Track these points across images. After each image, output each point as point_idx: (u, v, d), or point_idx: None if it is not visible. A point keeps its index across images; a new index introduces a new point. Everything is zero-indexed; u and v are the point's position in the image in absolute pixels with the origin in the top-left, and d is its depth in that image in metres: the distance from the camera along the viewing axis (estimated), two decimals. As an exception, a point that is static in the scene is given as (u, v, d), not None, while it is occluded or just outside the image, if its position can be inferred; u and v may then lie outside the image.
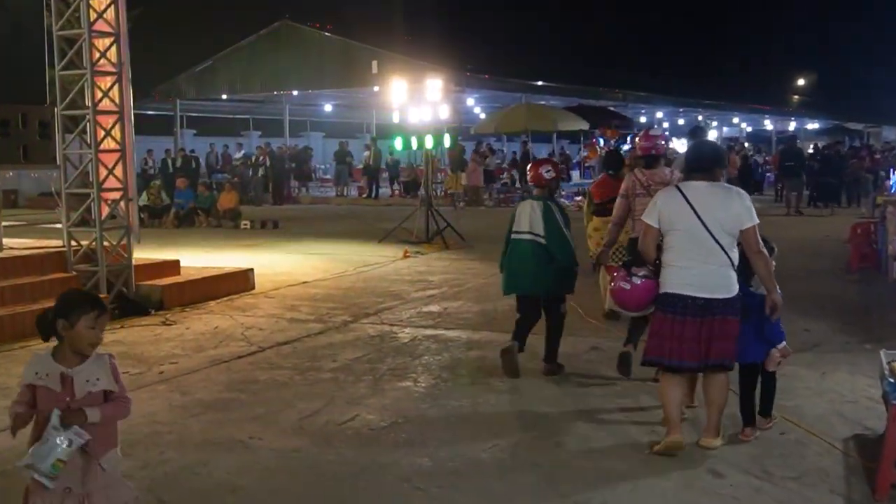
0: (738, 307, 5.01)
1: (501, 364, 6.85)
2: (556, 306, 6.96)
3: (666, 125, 48.42)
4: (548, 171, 6.94)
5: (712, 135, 39.74)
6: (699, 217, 4.92)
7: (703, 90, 45.26)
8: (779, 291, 4.98)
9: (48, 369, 3.42)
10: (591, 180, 30.17)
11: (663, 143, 7.10)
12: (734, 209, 4.94)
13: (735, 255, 4.98)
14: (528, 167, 7.36)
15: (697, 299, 4.94)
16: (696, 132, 10.09)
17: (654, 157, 6.94)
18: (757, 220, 4.98)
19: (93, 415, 3.37)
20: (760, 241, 4.98)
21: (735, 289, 5.00)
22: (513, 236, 6.93)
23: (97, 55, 9.64)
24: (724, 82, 51.80)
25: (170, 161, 28.06)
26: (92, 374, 3.44)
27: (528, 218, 6.78)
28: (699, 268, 4.94)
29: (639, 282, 5.21)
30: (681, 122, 48.97)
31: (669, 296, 5.03)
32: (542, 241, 6.69)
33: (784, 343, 5.31)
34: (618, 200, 7.03)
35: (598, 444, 5.30)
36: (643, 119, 45.48)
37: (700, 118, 45.69)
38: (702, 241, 4.92)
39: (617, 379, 6.69)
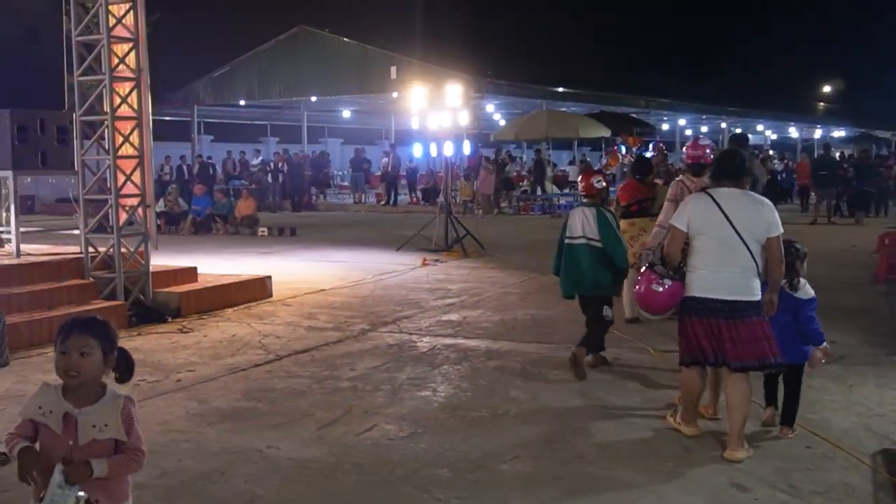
0: (761, 310, 5.18)
1: (573, 372, 7.10)
2: (607, 305, 7.38)
3: (689, 132, 48.35)
4: (598, 181, 7.43)
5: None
6: (731, 223, 5.11)
7: (728, 97, 45.09)
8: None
9: (53, 405, 3.03)
10: (613, 188, 30.20)
11: (710, 151, 7.44)
12: (764, 218, 5.14)
13: (760, 262, 5.16)
14: (580, 178, 7.90)
15: (725, 302, 5.13)
16: (738, 140, 10.19)
17: (701, 165, 7.41)
18: (781, 230, 5.18)
19: (99, 468, 2.97)
20: (782, 250, 5.21)
21: (759, 293, 5.18)
22: (566, 241, 7.35)
23: (116, 61, 9.72)
24: (749, 89, 51.55)
25: (185, 167, 28.24)
26: (100, 419, 3.04)
27: (581, 224, 7.24)
28: (728, 272, 5.14)
29: (669, 284, 5.37)
30: (704, 129, 48.81)
31: (697, 299, 5.23)
32: (598, 244, 7.15)
33: (825, 343, 5.54)
34: (665, 205, 7.49)
35: (621, 456, 5.28)
36: (666, 126, 45.42)
37: (724, 125, 45.53)
38: (732, 245, 5.11)
39: (640, 390, 6.68)
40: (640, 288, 5.59)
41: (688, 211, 5.30)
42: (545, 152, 32.08)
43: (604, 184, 7.42)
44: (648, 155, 24.61)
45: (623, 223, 9.32)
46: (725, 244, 5.13)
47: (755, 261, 5.12)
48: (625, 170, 29.65)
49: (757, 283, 5.17)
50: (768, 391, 5.82)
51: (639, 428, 5.80)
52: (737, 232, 5.10)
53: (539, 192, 29.13)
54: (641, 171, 9.66)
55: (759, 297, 5.17)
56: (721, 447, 5.31)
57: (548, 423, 5.94)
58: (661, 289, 5.39)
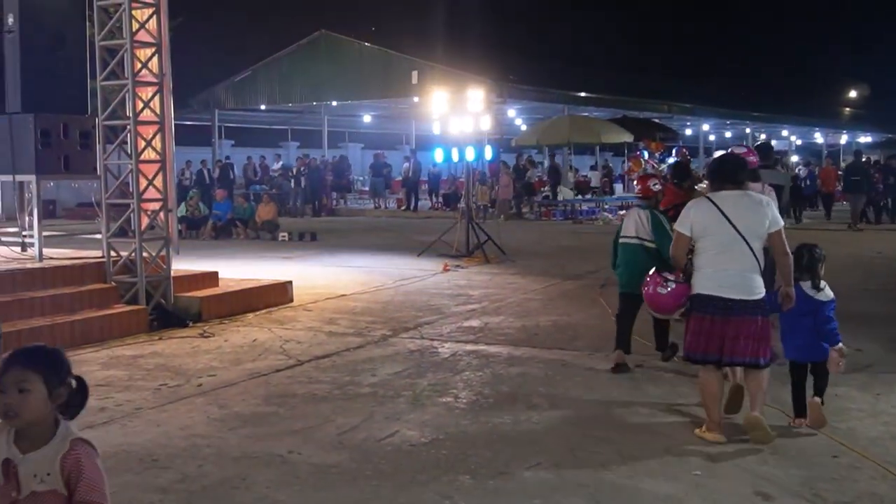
0: (765, 308, 5.53)
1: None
2: None
3: (712, 138, 48.18)
4: (655, 184, 7.95)
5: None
6: (732, 224, 5.43)
7: (751, 102, 44.91)
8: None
9: (1, 450, 2.65)
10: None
11: (753, 158, 7.66)
12: (764, 215, 5.47)
13: (762, 260, 5.50)
14: (636, 181, 8.64)
15: (729, 300, 5.44)
16: (764, 150, 10.53)
17: (752, 171, 7.63)
18: (782, 224, 5.57)
19: None
20: (786, 244, 5.52)
21: (762, 291, 5.50)
22: (621, 241, 7.78)
23: (139, 65, 9.80)
24: (774, 94, 51.32)
25: (206, 171, 28.40)
26: (42, 467, 2.63)
27: (636, 225, 7.65)
28: (731, 271, 5.45)
29: (673, 286, 5.80)
30: (728, 134, 48.62)
31: (704, 297, 5.54)
32: (651, 244, 7.50)
33: (840, 344, 5.76)
34: None
35: (644, 464, 5.26)
36: (689, 132, 45.28)
37: (748, 130, 45.35)
38: (735, 246, 5.43)
39: (663, 397, 6.67)
40: (647, 289, 6.03)
41: (690, 216, 5.61)
42: (564, 157, 32.06)
43: (659, 187, 7.95)
44: (670, 160, 24.62)
45: None
46: (728, 245, 5.43)
47: (757, 259, 5.44)
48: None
49: (760, 282, 5.48)
50: (797, 402, 5.94)
51: (662, 436, 5.78)
52: (738, 232, 5.41)
53: (553, 198, 29.06)
54: (680, 176, 9.98)
55: (761, 296, 5.48)
56: (743, 454, 5.31)
57: (570, 431, 5.94)
58: (665, 290, 5.84)
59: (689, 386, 6.82)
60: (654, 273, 6.03)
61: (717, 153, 8.54)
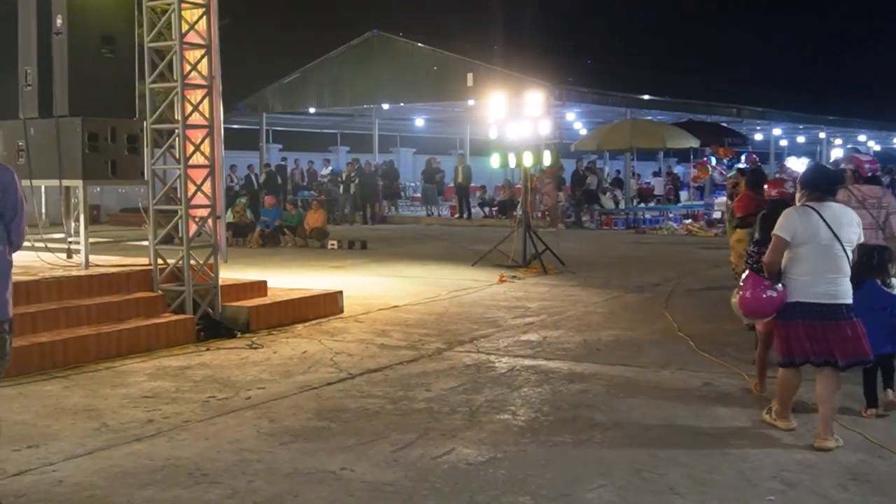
0: (854, 311, 5.98)
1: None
2: None
3: (784, 143, 47.57)
4: (791, 186, 8.11)
5: (833, 153, 38.95)
6: (834, 233, 5.90)
7: (827, 105, 44.27)
8: None
9: None
10: (702, 201, 29.85)
11: (872, 166, 8.11)
12: (856, 226, 6.04)
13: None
14: (769, 184, 8.94)
15: (828, 306, 5.90)
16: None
17: (874, 177, 8.05)
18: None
19: None
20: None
21: (851, 296, 5.98)
22: None
23: (188, 67, 9.96)
24: (850, 97, 50.57)
25: (253, 177, 28.71)
26: None
27: None
28: (830, 277, 5.92)
29: (777, 291, 6.05)
30: (800, 139, 47.98)
31: (803, 304, 5.95)
32: None
33: None
34: None
35: (715, 488, 5.21)
36: (759, 136, 44.70)
37: (822, 135, 44.71)
38: (834, 253, 5.91)
39: (733, 417, 6.60)
40: (746, 293, 6.20)
41: (794, 223, 5.99)
42: (626, 163, 31.85)
43: (793, 191, 8.12)
44: (739, 166, 24.35)
45: (740, 233, 10.70)
46: (828, 253, 5.90)
47: (849, 266, 5.97)
48: (717, 182, 29.33)
49: (850, 287, 5.98)
50: (868, 393, 6.56)
51: (734, 458, 5.73)
52: (839, 241, 5.89)
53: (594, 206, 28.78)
54: (756, 185, 10.44)
55: (851, 300, 5.96)
56: (820, 477, 5.23)
57: (635, 451, 5.90)
58: (776, 294, 6.03)
59: (759, 406, 6.75)
60: (750, 275, 6.29)
61: (805, 161, 8.87)
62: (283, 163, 32.55)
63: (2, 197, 4.62)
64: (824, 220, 5.90)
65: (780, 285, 6.01)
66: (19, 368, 7.46)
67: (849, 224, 5.97)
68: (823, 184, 6.15)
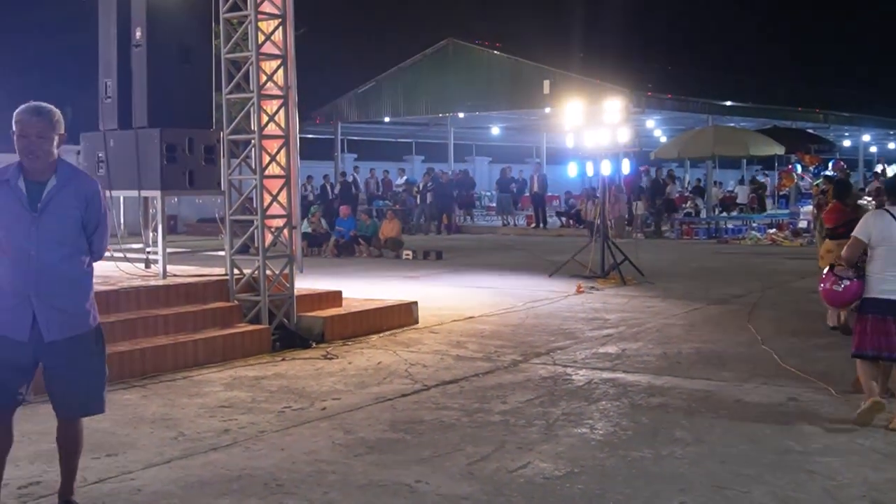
0: None
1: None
2: None
3: (873, 149, 46.52)
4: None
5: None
6: None
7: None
8: None
9: None
10: (787, 210, 29.32)
11: None
12: None
13: None
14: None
15: (893, 302, 6.58)
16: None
17: None
18: None
19: None
20: None
21: None
22: None
23: (264, 78, 10.13)
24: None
25: (328, 186, 29.03)
26: None
27: None
28: None
29: (848, 283, 6.81)
30: (892, 146, 46.86)
31: (874, 300, 6.67)
32: None
33: None
34: None
35: (799, 506, 5.13)
36: (847, 143, 43.78)
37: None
38: None
39: (819, 436, 6.48)
40: (824, 286, 7.03)
41: (870, 225, 6.73)
42: (708, 171, 31.47)
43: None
44: (826, 174, 23.95)
45: (829, 243, 10.66)
46: None
47: None
48: (804, 191, 28.80)
49: None
50: None
51: (820, 476, 5.62)
52: None
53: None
54: (843, 195, 10.76)
55: None
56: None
57: (717, 468, 5.82)
58: (840, 288, 6.84)
59: (847, 423, 6.62)
60: (828, 272, 7.04)
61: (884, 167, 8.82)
62: (355, 170, 32.81)
63: (86, 208, 4.74)
64: None
65: (846, 281, 6.75)
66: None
67: None
68: None
